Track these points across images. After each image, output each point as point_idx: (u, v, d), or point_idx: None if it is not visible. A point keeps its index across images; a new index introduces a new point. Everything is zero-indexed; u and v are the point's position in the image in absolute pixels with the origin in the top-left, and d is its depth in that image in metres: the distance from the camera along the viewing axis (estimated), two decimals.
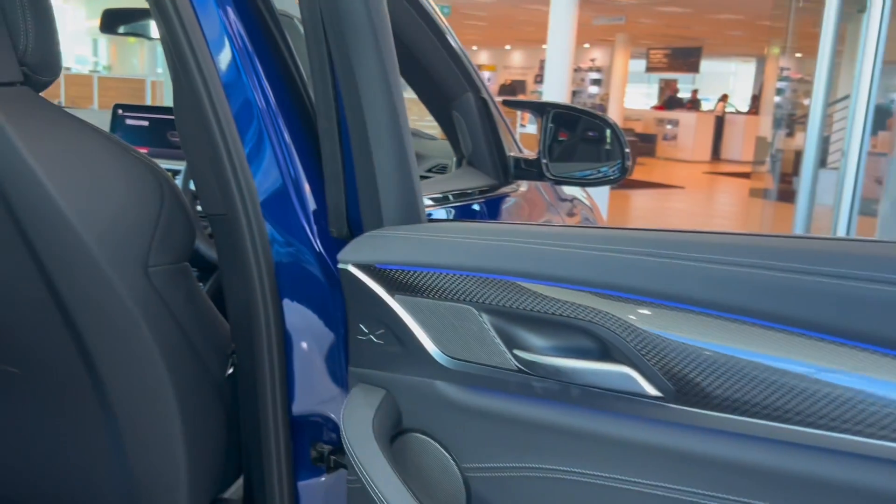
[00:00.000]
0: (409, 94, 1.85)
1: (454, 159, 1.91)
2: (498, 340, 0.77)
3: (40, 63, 0.97)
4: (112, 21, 2.04)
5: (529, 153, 1.88)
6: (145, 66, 16.44)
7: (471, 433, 0.81)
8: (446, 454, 0.83)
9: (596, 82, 21.35)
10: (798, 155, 6.97)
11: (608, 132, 1.78)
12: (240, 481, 1.35)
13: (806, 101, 6.62)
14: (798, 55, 10.72)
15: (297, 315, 1.03)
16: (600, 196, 7.91)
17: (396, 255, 0.85)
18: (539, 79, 21.65)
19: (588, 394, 0.72)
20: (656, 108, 19.81)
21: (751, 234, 0.70)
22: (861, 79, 3.80)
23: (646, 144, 16.74)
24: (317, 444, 1.07)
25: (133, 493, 1.14)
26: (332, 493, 1.09)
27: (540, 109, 1.84)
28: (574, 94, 20.12)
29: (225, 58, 1.00)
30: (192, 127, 0.98)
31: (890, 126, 8.79)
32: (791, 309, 0.60)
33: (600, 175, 1.78)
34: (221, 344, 1.16)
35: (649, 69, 19.60)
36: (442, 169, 1.99)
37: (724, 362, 0.63)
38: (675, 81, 21.60)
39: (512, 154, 1.85)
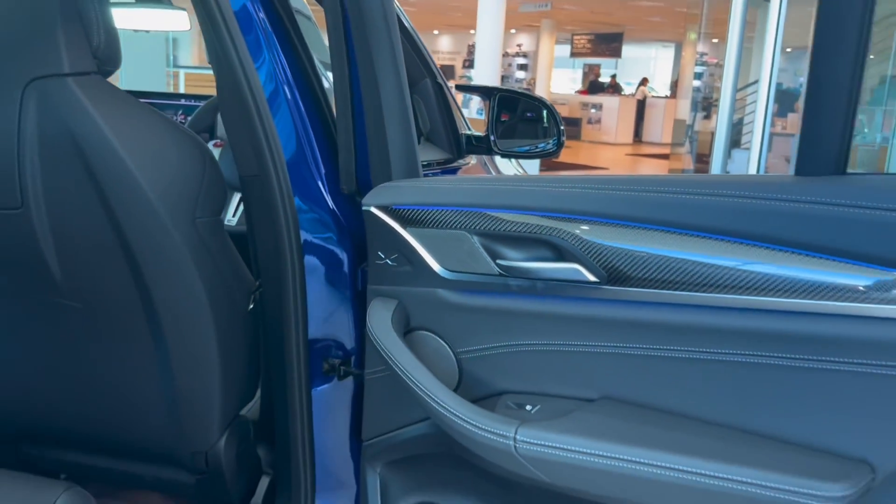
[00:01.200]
0: None
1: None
2: (485, 254, 1.06)
3: (108, 56, 1.22)
4: None
5: (478, 132, 2.19)
6: None
7: (462, 326, 1.11)
8: (444, 343, 1.13)
9: (523, 67, 21.79)
10: (713, 136, 7.48)
11: (545, 112, 2.10)
12: (255, 403, 1.62)
13: (721, 85, 7.11)
14: (714, 40, 11.30)
15: (314, 257, 1.31)
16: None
17: (407, 198, 1.14)
18: (467, 63, 21.96)
19: (549, 286, 1.03)
20: (580, 92, 20.37)
21: (655, 175, 1.02)
22: (764, 63, 4.23)
23: (571, 128, 17.24)
24: (328, 359, 1.36)
25: (176, 410, 1.40)
26: (340, 397, 1.37)
27: (487, 93, 2.14)
28: (502, 79, 20.53)
29: (256, 49, 1.27)
30: (233, 105, 1.25)
31: (798, 108, 9.40)
32: (677, 217, 0.92)
33: (539, 149, 2.11)
34: (246, 284, 1.43)
35: (574, 54, 20.15)
36: None
37: (639, 256, 0.95)
38: (598, 66, 22.22)
39: (464, 132, 2.16)
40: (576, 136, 17.70)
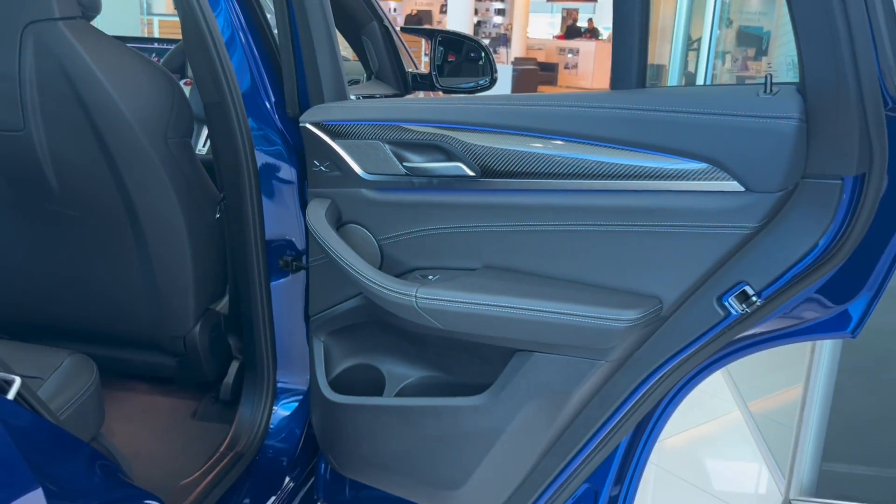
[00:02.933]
0: None
1: (364, 75, 2.46)
2: (394, 159, 1.35)
3: (91, 2, 1.47)
4: None
5: (424, 70, 2.45)
6: None
7: (381, 218, 1.40)
8: (368, 233, 1.42)
9: (500, 12, 21.74)
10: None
11: (482, 53, 2.37)
12: (225, 300, 1.91)
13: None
14: None
15: (268, 171, 1.58)
16: None
17: (335, 115, 1.41)
18: (445, 9, 21.89)
19: (441, 181, 1.31)
20: (558, 37, 20.41)
21: (519, 94, 1.31)
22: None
23: (548, 73, 17.37)
24: (283, 257, 1.64)
25: (157, 302, 1.69)
26: (293, 287, 1.66)
27: (429, 35, 2.41)
28: (479, 24, 20.48)
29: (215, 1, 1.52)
30: (195, 42, 1.50)
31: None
32: (526, 123, 1.21)
33: (475, 85, 2.38)
34: (212, 196, 1.71)
35: None
36: (356, 83, 2.53)
37: (501, 154, 1.24)
38: (576, 11, 22.19)
39: (410, 70, 2.42)
40: (552, 81, 17.82)
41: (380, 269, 1.41)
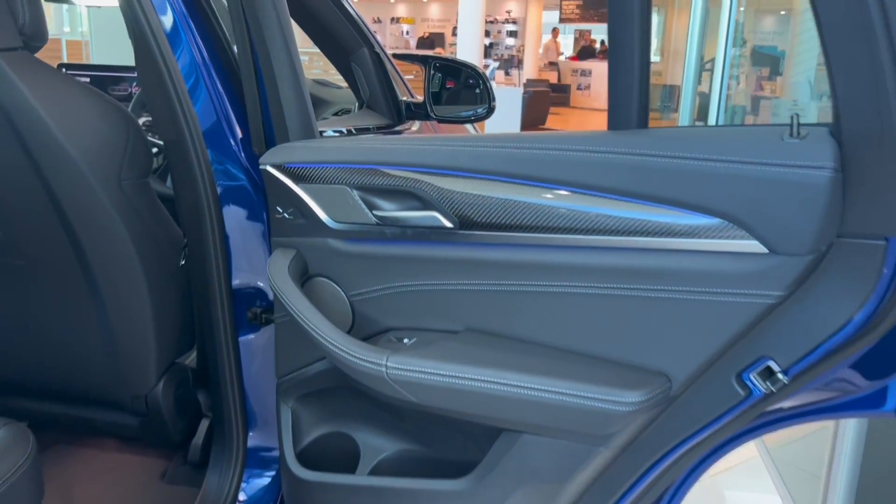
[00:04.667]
0: (318, 50, 2.23)
1: (356, 104, 2.31)
2: (363, 206, 1.19)
3: (34, 32, 1.33)
4: None
5: (419, 98, 2.30)
6: (53, 25, 15.97)
7: (351, 271, 1.24)
8: (338, 287, 1.26)
9: (512, 34, 21.73)
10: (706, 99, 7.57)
11: (479, 80, 2.21)
12: (193, 352, 1.76)
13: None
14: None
15: (232, 213, 1.43)
16: None
17: (298, 157, 1.26)
18: (457, 31, 21.92)
19: (416, 232, 1.15)
20: (571, 58, 20.34)
21: (501, 134, 1.15)
22: (721, 27, 4.30)
23: (560, 94, 17.27)
24: (251, 308, 1.49)
25: (115, 358, 1.54)
26: (264, 343, 1.51)
27: (423, 61, 2.25)
28: (491, 46, 20.47)
29: (168, 21, 1.38)
30: (149, 74, 1.36)
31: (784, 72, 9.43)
32: (511, 169, 1.05)
33: (473, 114, 2.22)
34: (176, 241, 1.56)
35: (563, 20, 20.07)
36: (346, 112, 2.39)
37: (481, 203, 1.08)
38: (588, 32, 22.15)
39: (404, 98, 2.27)
40: (565, 102, 17.73)
41: (351, 328, 1.25)
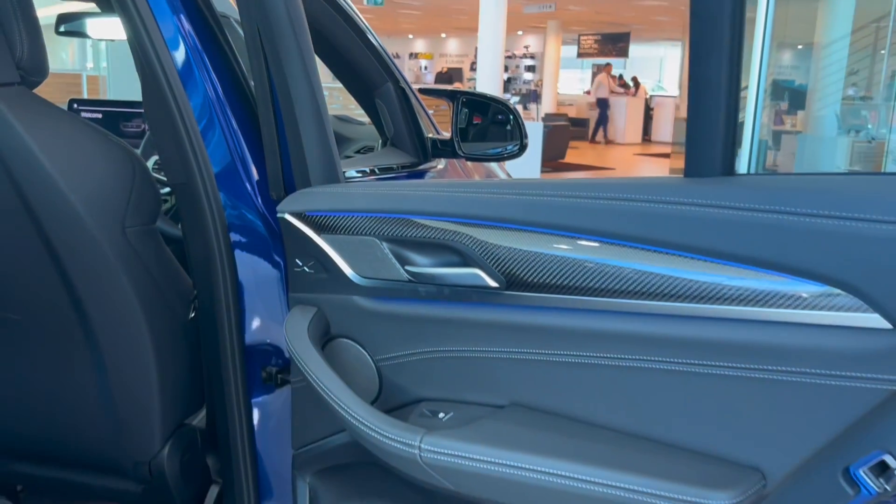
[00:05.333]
0: (338, 85, 2.12)
1: (380, 141, 2.19)
2: (394, 261, 1.05)
3: (33, 67, 1.22)
4: (65, 24, 2.25)
5: (446, 134, 2.17)
6: (76, 60, 16.16)
7: (380, 333, 1.10)
8: (363, 350, 1.12)
9: (530, 69, 21.78)
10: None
11: (510, 115, 2.08)
12: (203, 411, 1.61)
13: None
14: None
15: (247, 263, 1.30)
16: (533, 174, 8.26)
17: (320, 204, 1.13)
18: (475, 66, 21.99)
19: (454, 291, 1.01)
20: (588, 92, 20.30)
21: (553, 179, 1.01)
22: (754, 60, 4.19)
23: (579, 128, 17.20)
24: (266, 367, 1.35)
25: (115, 419, 1.40)
26: (280, 405, 1.36)
27: (451, 96, 2.13)
28: (509, 80, 20.51)
29: (181, 56, 1.26)
30: (158, 112, 1.24)
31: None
32: (568, 220, 0.91)
33: (503, 152, 2.09)
34: (185, 292, 1.42)
35: (581, 55, 20.08)
36: (369, 150, 2.26)
37: (534, 260, 0.94)
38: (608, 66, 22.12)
39: (430, 135, 2.14)
40: (584, 136, 17.65)
41: (377, 397, 1.10)
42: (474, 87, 11.60)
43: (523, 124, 2.07)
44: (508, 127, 2.10)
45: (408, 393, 1.09)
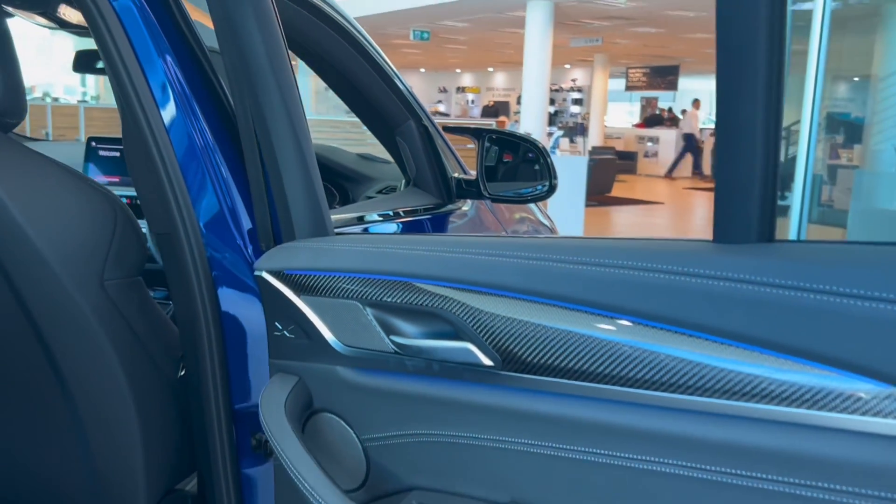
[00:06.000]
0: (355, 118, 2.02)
1: (403, 181, 2.07)
2: (378, 328, 0.93)
3: (8, 108, 1.13)
4: (84, 61, 2.20)
5: (472, 174, 2.05)
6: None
7: (366, 409, 0.97)
8: (348, 428, 0.99)
9: (577, 102, 21.67)
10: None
11: (538, 154, 1.95)
12: (195, 475, 1.50)
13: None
14: None
15: (235, 320, 1.18)
16: (576, 213, 8.09)
17: (299, 262, 1.01)
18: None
19: (444, 367, 0.88)
20: (637, 125, 20.09)
21: (563, 239, 0.87)
22: (806, 93, 4.00)
23: (626, 162, 16.96)
24: (256, 434, 1.22)
25: (96, 485, 1.29)
26: (272, 475, 1.24)
27: (476, 134, 2.01)
28: (556, 113, 20.43)
29: (166, 99, 1.16)
30: (139, 158, 1.14)
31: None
32: (573, 291, 0.77)
33: (531, 193, 1.96)
34: (173, 348, 1.31)
35: (629, 88, 19.92)
36: (391, 190, 2.15)
37: (537, 336, 0.80)
38: (655, 99, 21.93)
39: (455, 175, 2.02)
40: (632, 170, 17.41)
41: (364, 481, 0.97)
42: (519, 120, 11.50)
43: (552, 164, 1.93)
44: (537, 167, 1.97)
45: (398, 480, 0.95)
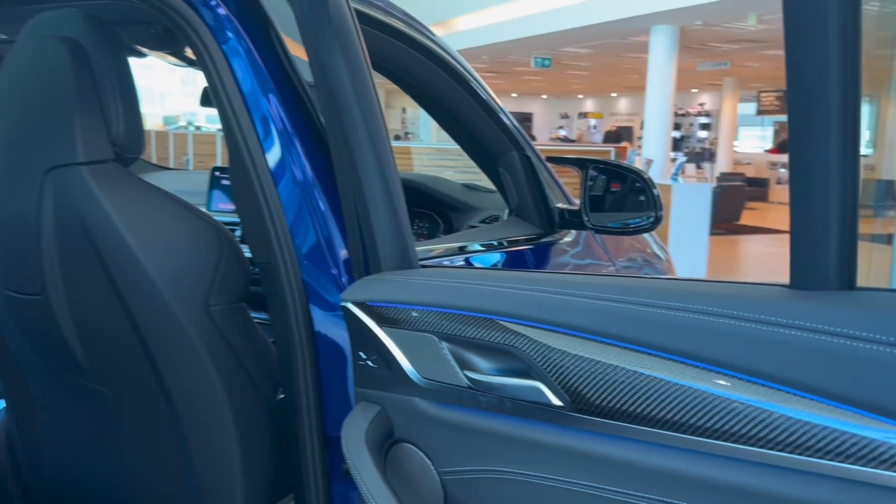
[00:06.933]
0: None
1: (506, 211, 2.08)
2: (453, 362, 0.93)
3: (128, 144, 1.23)
4: (210, 97, 2.35)
5: (575, 204, 2.03)
6: None
7: (443, 442, 0.97)
8: (427, 460, 1.00)
9: (705, 126, 21.01)
10: None
11: (643, 185, 1.91)
12: (292, 495, 1.55)
13: None
14: None
15: (330, 348, 1.23)
16: (699, 242, 7.81)
17: (382, 294, 1.04)
18: None
19: (516, 405, 0.87)
20: (770, 151, 19.24)
21: (645, 279, 0.85)
22: None
23: (757, 189, 16.26)
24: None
25: (198, 498, 1.36)
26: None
27: (580, 164, 1.99)
28: (682, 139, 19.88)
29: (268, 135, 1.23)
30: (242, 191, 1.21)
31: None
32: (647, 335, 0.74)
33: (635, 224, 1.92)
34: (273, 372, 1.37)
35: (760, 112, 19.12)
36: (494, 219, 2.17)
37: (607, 378, 0.78)
38: None
39: (558, 205, 2.01)
40: (763, 197, 16.67)
41: None
42: (642, 147, 11.28)
43: (658, 196, 1.89)
44: (642, 197, 1.93)
45: None
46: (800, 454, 0.66)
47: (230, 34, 1.20)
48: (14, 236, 1.24)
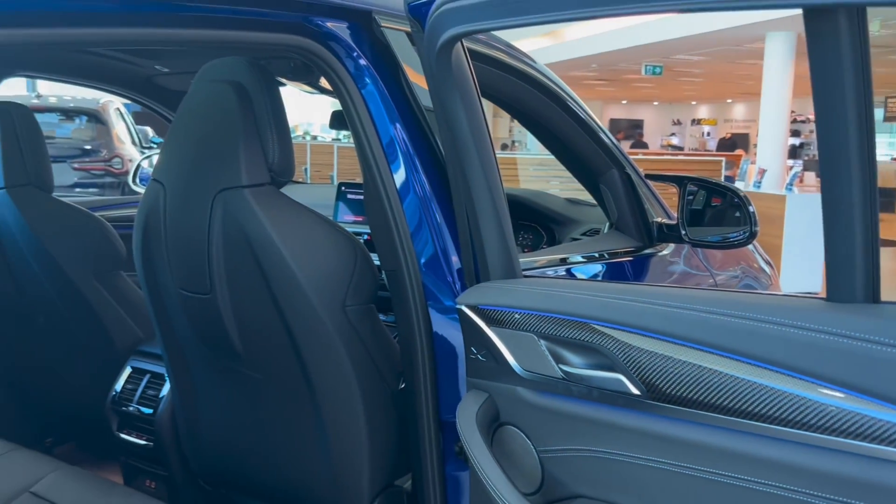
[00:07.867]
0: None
1: (606, 224, 2.23)
2: (550, 358, 1.10)
3: (282, 169, 1.47)
4: (338, 120, 2.61)
5: (674, 219, 2.16)
6: None
7: (541, 424, 1.14)
8: (527, 440, 1.17)
9: None
10: None
11: (738, 201, 2.02)
12: (410, 474, 1.75)
13: None
14: None
15: (445, 344, 1.42)
16: (815, 256, 7.60)
17: (491, 299, 1.22)
18: None
19: (602, 394, 1.04)
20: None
21: (704, 290, 1.00)
22: None
23: (884, 199, 15.43)
24: (458, 442, 1.45)
25: (329, 471, 1.58)
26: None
27: (678, 182, 2.12)
28: (801, 146, 19.11)
29: (394, 157, 1.44)
30: (374, 206, 1.43)
31: None
32: (708, 336, 0.89)
33: (731, 239, 2.03)
34: (397, 365, 1.58)
35: (887, 118, 18.14)
36: (595, 232, 2.32)
37: (674, 372, 0.93)
38: None
39: (657, 220, 2.15)
40: (889, 208, 15.79)
41: (540, 486, 1.15)
42: (757, 154, 11.00)
43: (753, 212, 2.00)
44: (738, 213, 2.04)
45: (566, 488, 1.12)
46: (828, 434, 0.79)
47: (368, 80, 1.43)
48: (190, 245, 1.50)
